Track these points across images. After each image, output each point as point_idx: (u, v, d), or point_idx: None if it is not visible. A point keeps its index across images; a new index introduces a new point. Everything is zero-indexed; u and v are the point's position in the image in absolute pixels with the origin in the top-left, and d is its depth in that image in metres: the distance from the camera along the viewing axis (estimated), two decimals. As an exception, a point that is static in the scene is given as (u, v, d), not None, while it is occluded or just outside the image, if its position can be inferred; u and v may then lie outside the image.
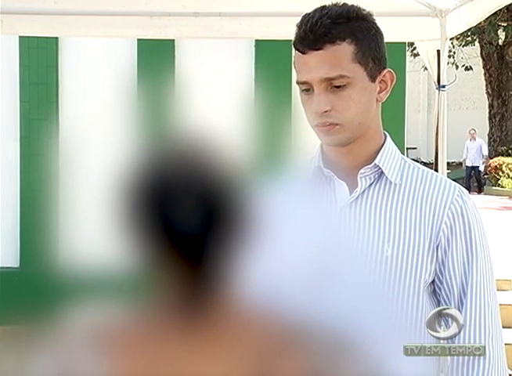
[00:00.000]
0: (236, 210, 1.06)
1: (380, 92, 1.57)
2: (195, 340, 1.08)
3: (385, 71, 1.57)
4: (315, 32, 1.49)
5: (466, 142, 18.68)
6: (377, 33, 1.56)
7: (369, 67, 1.53)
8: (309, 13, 1.52)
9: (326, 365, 1.09)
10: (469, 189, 17.36)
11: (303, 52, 1.52)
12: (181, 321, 1.08)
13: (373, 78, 1.55)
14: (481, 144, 18.73)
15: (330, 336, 1.14)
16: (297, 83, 1.55)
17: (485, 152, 18.75)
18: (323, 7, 1.53)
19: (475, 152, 18.55)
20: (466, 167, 18.56)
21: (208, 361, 1.07)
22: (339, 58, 1.50)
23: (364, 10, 1.55)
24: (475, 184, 18.36)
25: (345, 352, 1.14)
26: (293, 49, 1.56)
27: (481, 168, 18.56)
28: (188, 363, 1.07)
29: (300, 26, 1.52)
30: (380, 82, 1.57)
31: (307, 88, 1.53)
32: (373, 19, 1.56)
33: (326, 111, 1.51)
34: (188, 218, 1.03)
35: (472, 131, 18.65)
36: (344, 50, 1.51)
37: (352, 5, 1.55)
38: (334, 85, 1.51)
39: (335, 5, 1.54)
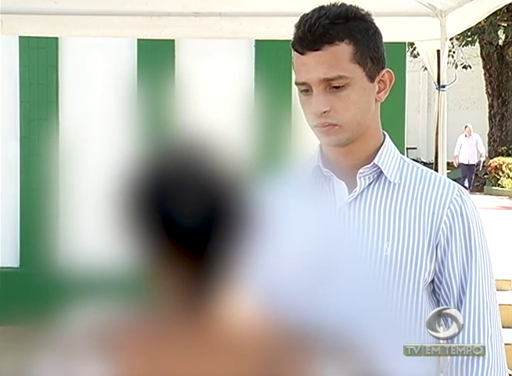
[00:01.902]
0: (235, 209, 1.06)
1: (379, 92, 1.57)
2: (196, 340, 1.08)
3: (384, 71, 1.57)
4: (314, 33, 1.49)
5: (459, 137, 17.07)
6: (376, 33, 1.56)
7: (367, 67, 1.53)
8: (307, 14, 1.52)
9: (325, 364, 1.09)
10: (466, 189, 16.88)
11: (301, 53, 1.52)
12: (182, 321, 1.08)
13: (371, 78, 1.55)
14: (478, 140, 17.32)
15: (330, 335, 1.14)
16: (296, 84, 1.55)
17: (482, 149, 17.42)
18: (322, 7, 1.52)
19: (471, 148, 17.08)
20: (461, 164, 16.97)
21: (209, 361, 1.07)
22: (337, 58, 1.50)
23: (362, 10, 1.55)
24: (476, 184, 17.35)
25: (345, 351, 1.14)
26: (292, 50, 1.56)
27: (480, 167, 17.38)
28: (189, 363, 1.07)
29: (298, 26, 1.52)
30: (378, 82, 1.57)
31: (306, 89, 1.53)
32: (371, 19, 1.56)
33: (325, 112, 1.51)
34: (188, 217, 1.03)
35: (468, 128, 17.27)
36: (343, 50, 1.51)
37: (351, 6, 1.55)
38: (333, 86, 1.51)
39: (333, 5, 1.54)
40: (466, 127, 17.38)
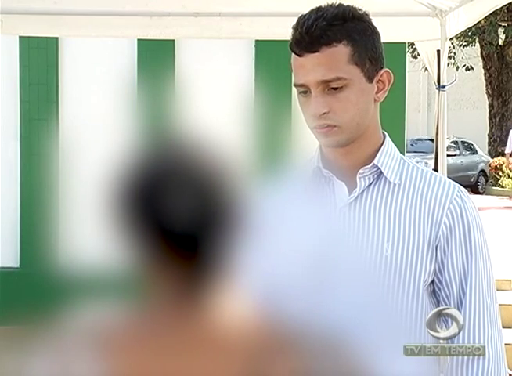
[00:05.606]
0: (235, 210, 1.06)
1: (377, 92, 1.57)
2: (195, 339, 1.08)
3: (382, 71, 1.57)
4: (311, 34, 1.49)
5: (511, 131, 14.04)
6: (374, 33, 1.56)
7: (366, 68, 1.53)
8: (305, 15, 1.52)
9: (323, 365, 1.09)
10: None
11: (299, 55, 1.52)
12: (179, 321, 1.08)
13: (370, 79, 1.55)
14: None
15: (330, 336, 1.14)
16: (295, 85, 1.55)
17: None
18: (319, 8, 1.52)
19: None
20: None
21: (207, 360, 1.07)
22: (335, 60, 1.50)
23: (360, 10, 1.55)
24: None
25: (345, 351, 1.14)
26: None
27: None
28: (187, 362, 1.07)
29: (296, 28, 1.52)
30: (377, 82, 1.57)
31: (304, 91, 1.53)
32: (369, 19, 1.56)
33: (323, 113, 1.51)
34: (188, 218, 1.03)
35: None
36: (341, 52, 1.51)
37: (348, 6, 1.54)
38: (331, 87, 1.51)
39: (331, 6, 1.53)
40: None
